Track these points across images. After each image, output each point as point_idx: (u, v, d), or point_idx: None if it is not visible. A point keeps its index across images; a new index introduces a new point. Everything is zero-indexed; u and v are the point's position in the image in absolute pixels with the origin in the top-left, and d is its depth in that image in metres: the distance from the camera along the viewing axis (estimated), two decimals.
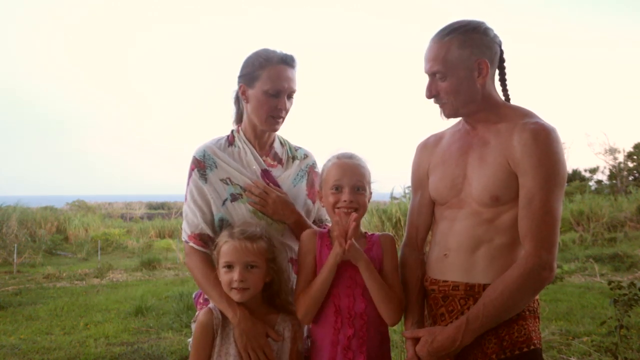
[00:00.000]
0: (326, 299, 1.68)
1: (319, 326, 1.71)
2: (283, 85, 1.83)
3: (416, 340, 1.60)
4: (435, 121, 1.69)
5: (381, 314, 1.66)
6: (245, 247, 1.66)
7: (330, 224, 1.91)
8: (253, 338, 1.64)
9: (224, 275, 1.67)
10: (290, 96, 1.88)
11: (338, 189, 1.69)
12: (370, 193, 1.77)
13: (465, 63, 1.56)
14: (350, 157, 1.75)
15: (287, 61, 1.86)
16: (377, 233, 1.79)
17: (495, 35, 1.60)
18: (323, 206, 1.79)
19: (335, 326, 1.66)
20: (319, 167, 2.05)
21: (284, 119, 1.89)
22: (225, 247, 1.67)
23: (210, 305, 1.73)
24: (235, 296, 1.65)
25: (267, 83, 1.82)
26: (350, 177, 1.70)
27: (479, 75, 1.57)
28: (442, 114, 1.65)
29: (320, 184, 1.80)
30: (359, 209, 1.69)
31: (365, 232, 1.78)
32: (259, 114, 1.86)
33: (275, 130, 1.91)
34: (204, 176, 1.85)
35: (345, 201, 1.67)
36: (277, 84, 1.82)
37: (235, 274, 1.64)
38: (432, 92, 1.62)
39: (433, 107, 1.68)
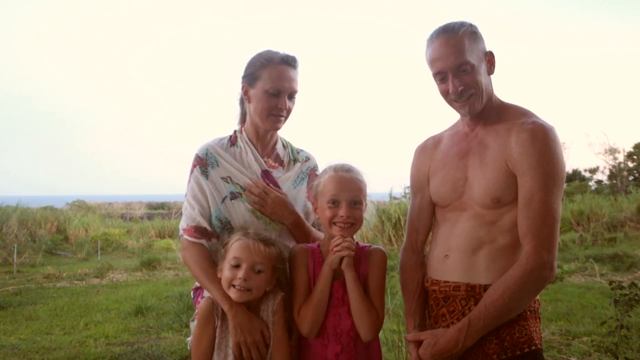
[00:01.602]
0: None
1: (308, 340, 1.70)
2: (283, 85, 1.84)
3: (418, 343, 1.60)
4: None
5: (357, 328, 1.66)
6: (257, 247, 1.65)
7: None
8: (248, 333, 1.62)
9: (227, 271, 1.64)
10: (291, 96, 1.89)
11: (335, 203, 1.67)
12: (366, 204, 1.76)
13: (480, 55, 1.57)
14: (348, 170, 1.72)
15: (289, 61, 1.87)
16: (369, 246, 1.77)
17: None
18: (318, 218, 1.77)
19: (322, 342, 1.67)
20: (320, 170, 2.05)
21: (285, 118, 1.90)
22: (237, 244, 1.67)
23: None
24: (234, 295, 1.63)
25: (267, 82, 1.83)
26: (348, 191, 1.68)
27: (489, 66, 1.60)
28: (467, 111, 1.60)
29: (315, 195, 1.76)
30: (355, 223, 1.68)
31: (357, 243, 1.77)
32: (260, 113, 1.87)
33: (277, 128, 1.92)
34: (205, 173, 1.87)
35: (342, 216, 1.66)
36: (278, 83, 1.83)
37: (241, 273, 1.62)
38: (458, 87, 1.55)
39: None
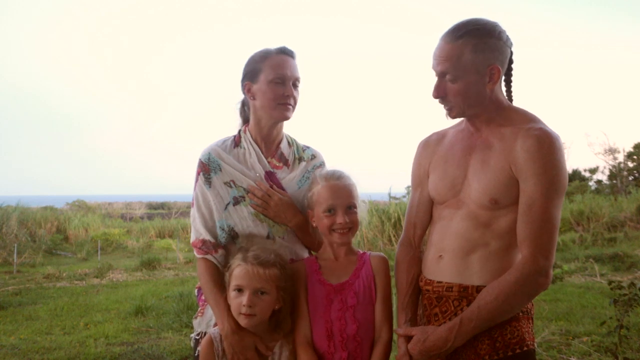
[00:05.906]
0: (318, 323, 1.69)
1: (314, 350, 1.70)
2: (286, 72, 1.83)
3: (408, 338, 1.60)
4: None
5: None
6: (257, 272, 1.64)
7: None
8: (239, 351, 1.64)
9: (233, 299, 1.66)
10: (295, 84, 1.87)
11: (332, 211, 1.71)
12: (360, 204, 1.79)
13: (478, 67, 1.53)
14: (339, 177, 1.76)
15: (287, 52, 1.86)
16: (368, 253, 1.79)
17: (508, 38, 1.58)
18: (315, 226, 1.78)
19: (328, 351, 1.66)
20: (326, 167, 2.04)
21: (293, 106, 1.87)
22: (238, 270, 1.67)
23: (212, 331, 1.72)
24: (242, 321, 1.64)
25: (270, 73, 1.82)
26: (343, 198, 1.72)
27: (489, 81, 1.55)
28: (447, 115, 1.64)
29: (310, 204, 1.79)
30: (353, 227, 1.73)
31: (357, 251, 1.79)
32: (267, 105, 1.84)
33: (287, 117, 1.87)
34: (208, 180, 1.85)
35: (340, 223, 1.70)
36: (280, 71, 1.82)
37: (244, 299, 1.63)
38: (440, 93, 1.58)
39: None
